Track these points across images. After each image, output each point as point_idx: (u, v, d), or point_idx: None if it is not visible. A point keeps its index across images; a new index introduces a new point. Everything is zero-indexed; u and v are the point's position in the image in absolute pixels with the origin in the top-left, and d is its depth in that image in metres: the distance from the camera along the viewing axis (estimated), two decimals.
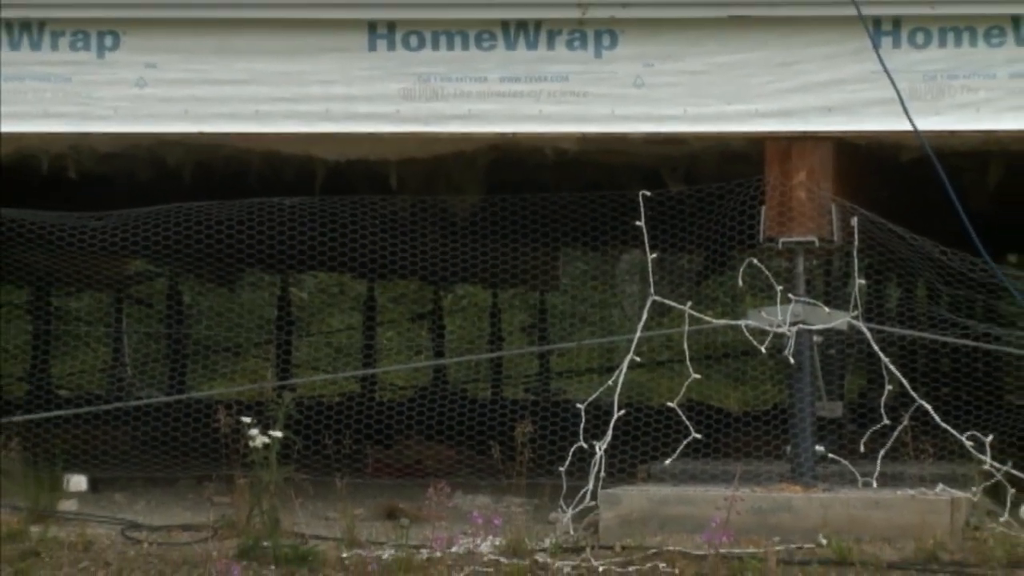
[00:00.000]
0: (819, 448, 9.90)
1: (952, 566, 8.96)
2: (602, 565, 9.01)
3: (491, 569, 8.77)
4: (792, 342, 9.91)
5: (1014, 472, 9.62)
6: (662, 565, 8.97)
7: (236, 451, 9.20)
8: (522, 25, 10.05)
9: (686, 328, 10.03)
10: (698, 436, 9.89)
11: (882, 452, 9.75)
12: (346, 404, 14.09)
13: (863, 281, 10.06)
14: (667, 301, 10.09)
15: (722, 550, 8.77)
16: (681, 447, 9.88)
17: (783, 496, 9.62)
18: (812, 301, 9.95)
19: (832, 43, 9.92)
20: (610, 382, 10.00)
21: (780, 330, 9.93)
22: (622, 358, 10.08)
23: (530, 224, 11.10)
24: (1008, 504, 9.62)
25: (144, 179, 11.25)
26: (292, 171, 10.80)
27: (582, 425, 9.85)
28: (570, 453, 9.81)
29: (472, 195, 11.28)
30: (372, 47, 10.10)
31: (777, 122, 9.96)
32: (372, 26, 10.07)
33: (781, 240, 9.95)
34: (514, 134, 10.17)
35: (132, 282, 16.46)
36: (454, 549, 9.00)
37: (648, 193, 10.04)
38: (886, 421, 9.81)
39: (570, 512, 9.70)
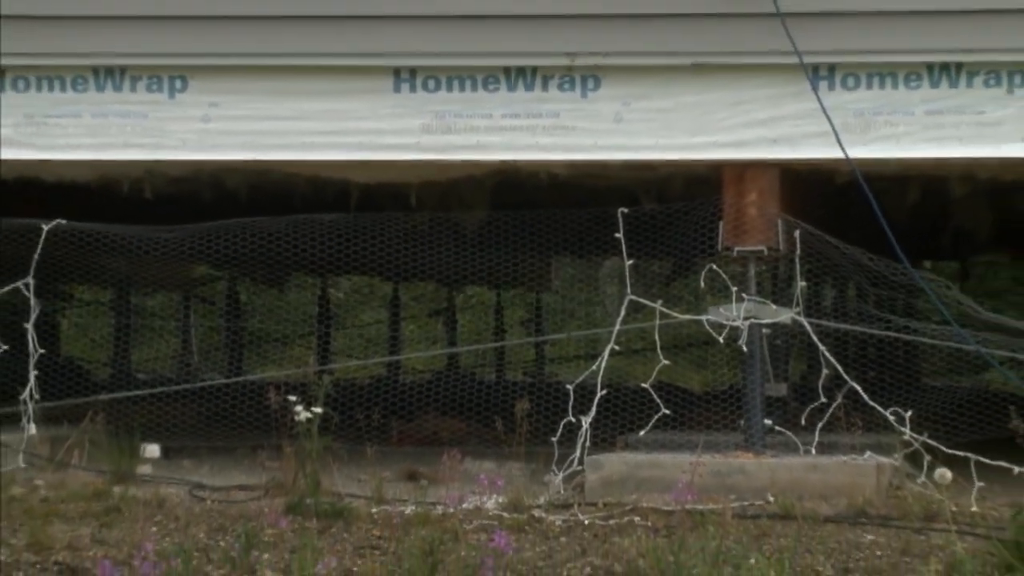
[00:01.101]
0: (767, 422, 9.90)
1: (877, 519, 8.96)
2: (587, 519, 9.00)
3: (495, 522, 8.76)
4: (745, 334, 9.91)
5: (929, 441, 9.62)
6: (637, 519, 8.96)
7: (284, 424, 9.19)
8: (521, 71, 10.05)
9: (657, 322, 10.03)
10: (667, 412, 9.88)
11: (819, 425, 9.76)
12: (375, 385, 14.08)
13: (803, 283, 10.09)
14: (641, 300, 10.09)
15: (687, 506, 8.74)
16: (653, 421, 9.88)
17: (738, 462, 9.62)
18: (761, 300, 9.95)
19: (778, 86, 9.91)
20: (594, 367, 10.01)
21: (735, 324, 9.94)
22: (604, 347, 10.08)
23: (528, 236, 11.09)
24: (924, 468, 9.61)
25: (207, 199, 11.24)
26: (331, 192, 10.80)
27: (571, 402, 9.85)
28: (561, 426, 9.81)
29: (479, 212, 11.28)
30: (397, 89, 10.10)
31: (732, 151, 9.96)
32: (397, 72, 10.08)
33: (736, 249, 9.94)
34: (514, 161, 10.18)
35: (197, 284, 16.44)
36: (464, 505, 8.99)
37: (626, 210, 10.07)
38: (823, 399, 9.82)
39: (561, 475, 9.70)
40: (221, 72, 10.17)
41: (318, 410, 9.11)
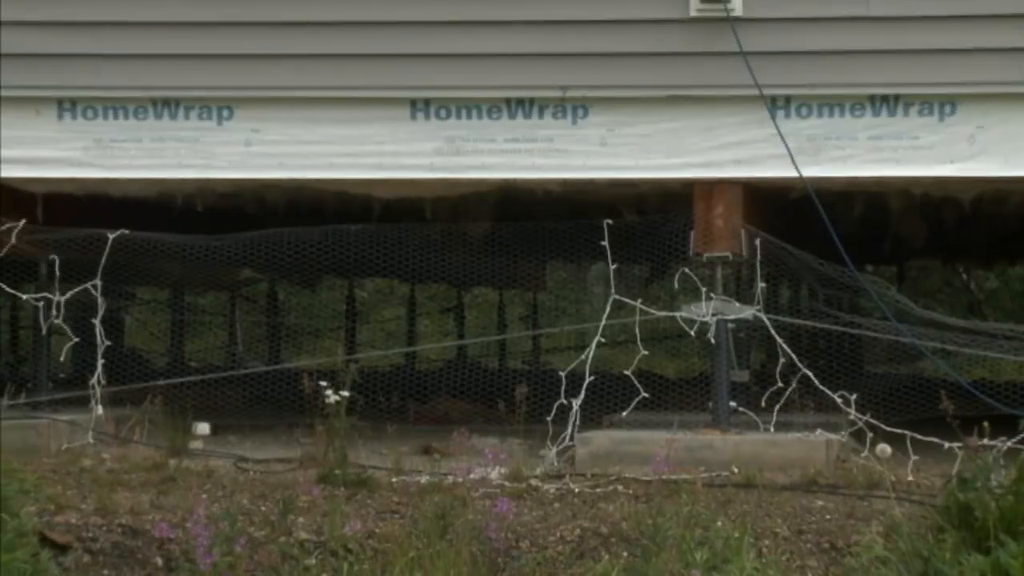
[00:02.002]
0: (732, 404, 9.89)
1: (827, 488, 8.96)
2: (577, 487, 9.01)
3: (498, 490, 8.77)
4: (713, 328, 9.90)
5: (871, 421, 9.62)
6: (620, 487, 8.97)
7: (316, 406, 9.19)
8: (520, 102, 10.05)
9: (637, 318, 10.02)
10: (646, 395, 9.88)
11: (777, 406, 9.75)
12: (394, 372, 14.09)
13: (763, 284, 10.07)
14: (624, 299, 10.08)
15: (663, 477, 8.75)
16: (634, 403, 9.87)
17: (707, 438, 9.62)
18: (727, 299, 9.93)
19: (741, 114, 9.90)
20: (583, 356, 9.98)
21: (704, 319, 9.92)
22: (591, 339, 10.06)
23: (526, 244, 11.08)
24: (867, 444, 9.62)
25: (250, 211, 11.28)
26: (356, 206, 10.78)
27: (563, 387, 9.83)
28: (554, 407, 9.80)
29: (484, 223, 11.26)
30: (413, 117, 10.09)
31: (702, 171, 9.94)
32: (413, 103, 10.07)
33: (705, 255, 9.93)
34: (515, 179, 10.16)
35: (242, 285, 16.42)
36: (472, 476, 8.98)
37: (610, 221, 10.05)
38: (780, 384, 9.79)
39: (554, 449, 9.69)
40: (262, 103, 10.17)
41: (345, 394, 9.11)
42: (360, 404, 9.62)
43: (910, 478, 9.12)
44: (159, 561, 7.82)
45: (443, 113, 10.10)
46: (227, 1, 10.18)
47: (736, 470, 9.24)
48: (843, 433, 9.71)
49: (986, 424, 8.96)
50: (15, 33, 10.23)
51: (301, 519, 8.15)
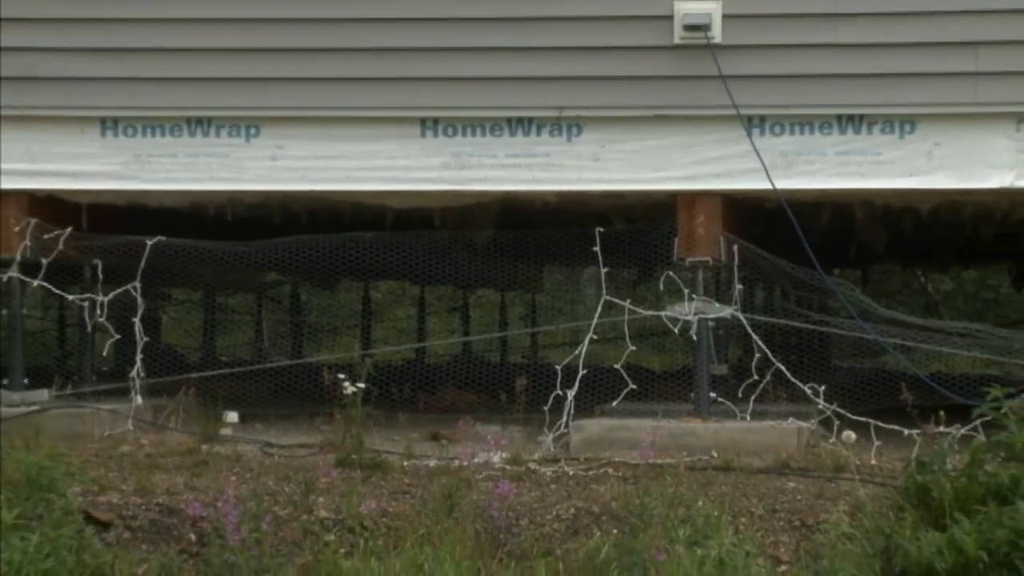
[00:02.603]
0: (712, 394, 9.89)
1: (798, 471, 8.96)
2: (572, 470, 9.00)
3: (500, 473, 8.77)
4: (694, 326, 9.89)
5: (838, 410, 9.62)
6: (610, 470, 8.96)
7: (335, 396, 9.19)
8: (520, 121, 10.04)
9: (626, 317, 10.02)
10: (634, 387, 9.87)
11: (752, 397, 9.75)
12: (406, 366, 14.05)
13: (740, 286, 10.06)
14: (614, 299, 10.07)
15: (649, 461, 8.76)
16: (623, 394, 9.85)
17: (689, 426, 9.61)
18: (707, 299, 9.93)
19: (720, 132, 9.90)
20: (577, 352, 9.99)
21: (687, 318, 9.92)
22: (584, 336, 10.07)
23: (525, 249, 11.07)
24: (834, 431, 9.62)
25: (275, 220, 11.25)
26: (371, 215, 10.77)
27: (559, 379, 9.83)
28: (551, 398, 9.79)
29: (487, 231, 11.26)
30: (423, 135, 10.09)
31: (685, 183, 9.94)
32: (423, 121, 10.08)
33: (687, 260, 9.92)
34: (515, 191, 10.16)
35: (268, 287, 16.42)
36: (476, 460, 8.99)
37: (601, 229, 10.06)
38: (755, 377, 9.80)
39: (551, 436, 9.69)
40: (286, 121, 10.16)
41: (361, 385, 9.10)
42: (375, 395, 9.62)
43: (873, 462, 9.12)
44: (193, 537, 7.82)
45: (450, 131, 10.09)
46: (254, 29, 10.16)
47: (715, 455, 9.23)
48: (812, 421, 9.70)
49: (942, 413, 8.99)
50: (62, 59, 10.24)
51: (321, 499, 8.15)
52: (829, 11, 9.87)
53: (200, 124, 10.23)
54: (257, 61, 10.15)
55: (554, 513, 8.05)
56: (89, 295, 10.44)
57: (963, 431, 8.80)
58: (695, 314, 9.89)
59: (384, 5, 10.09)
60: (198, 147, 10.22)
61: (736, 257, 9.96)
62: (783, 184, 9.80)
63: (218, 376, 11.31)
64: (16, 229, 10.27)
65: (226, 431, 10.21)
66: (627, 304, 10.01)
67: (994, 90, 9.79)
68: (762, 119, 9.88)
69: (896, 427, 9.35)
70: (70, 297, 10.66)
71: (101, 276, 10.45)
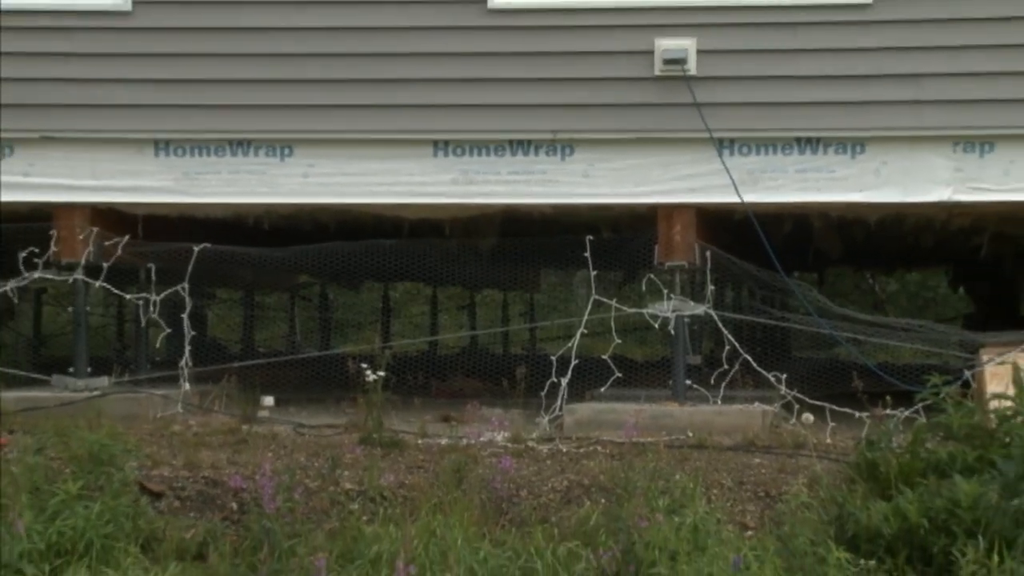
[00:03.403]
0: (688, 382, 9.88)
1: (762, 448, 8.95)
2: (565, 448, 9.00)
3: (502, 450, 8.77)
4: (672, 322, 9.89)
5: (797, 395, 9.61)
6: (599, 448, 8.96)
7: (358, 383, 9.19)
8: (520, 142, 10.05)
9: (612, 314, 10.01)
10: (619, 375, 9.87)
11: (723, 384, 9.74)
12: (420, 357, 14.08)
13: (712, 287, 10.05)
14: (602, 299, 10.06)
15: (633, 439, 8.75)
16: (610, 381, 9.85)
17: (667, 409, 9.61)
18: (683, 299, 9.92)
19: (695, 152, 9.90)
20: (570, 344, 9.97)
21: (666, 315, 9.92)
22: (576, 331, 10.07)
23: (524, 255, 11.07)
24: (794, 413, 9.62)
25: (307, 229, 11.23)
26: (389, 225, 10.78)
27: (554, 368, 9.82)
28: (547, 384, 9.79)
29: (491, 239, 11.26)
30: (435, 155, 10.10)
31: (664, 197, 9.94)
32: (435, 143, 10.08)
33: (666, 264, 9.92)
34: (515, 204, 10.16)
35: (299, 287, 16.42)
36: (481, 439, 8.99)
37: (591, 237, 10.04)
38: (725, 366, 9.78)
39: (547, 418, 9.67)
40: (316, 143, 10.16)
41: (381, 373, 9.10)
42: (393, 382, 9.61)
43: (828, 441, 9.10)
44: (234, 506, 7.82)
45: (459, 151, 10.08)
46: (288, 63, 10.15)
47: (690, 434, 9.23)
48: (775, 405, 9.70)
49: (888, 398, 8.98)
50: (122, 88, 10.24)
51: (346, 473, 8.14)
52: (790, 47, 9.86)
53: (241, 145, 10.22)
54: (291, 90, 10.14)
55: (550, 485, 8.04)
56: (144, 295, 10.44)
57: (907, 414, 8.80)
58: (673, 311, 9.88)
59: (402, 41, 10.08)
60: (239, 165, 10.22)
61: (709, 261, 9.95)
62: (750, 198, 9.79)
63: (256, 365, 11.31)
64: (81, 237, 10.27)
65: (263, 413, 10.21)
66: (614, 303, 10.00)
67: (934, 116, 9.79)
68: (731, 141, 9.87)
69: (848, 410, 9.33)
70: (127, 296, 10.67)
71: (154, 278, 10.45)
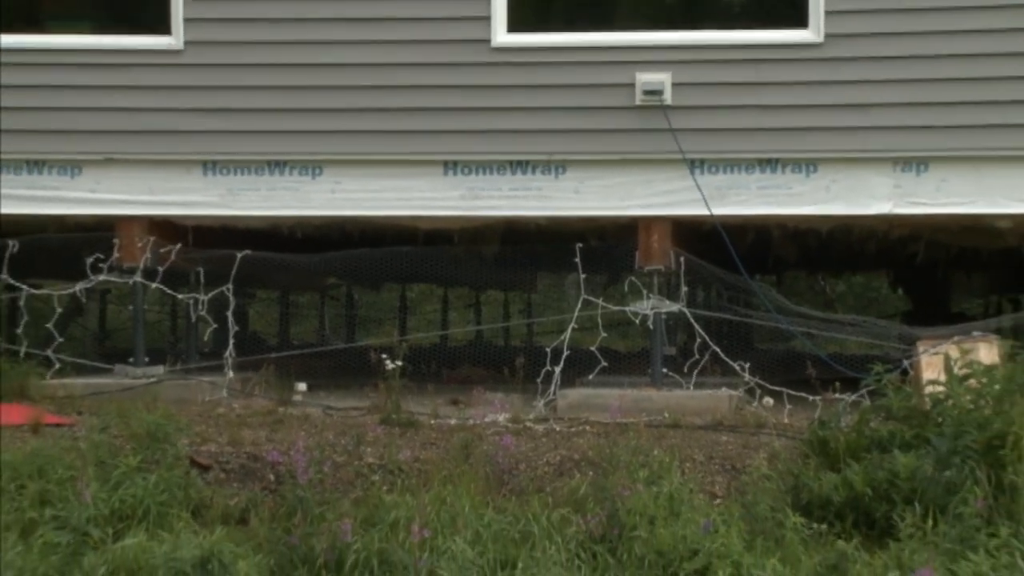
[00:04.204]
0: (664, 370, 9.89)
1: (729, 427, 8.96)
2: (558, 427, 8.99)
3: (504, 429, 8.77)
4: (651, 318, 9.89)
5: (759, 382, 9.62)
6: (587, 427, 8.96)
7: (379, 371, 9.19)
8: (519, 163, 10.05)
9: (599, 311, 10.00)
10: (605, 364, 9.87)
11: (695, 372, 9.73)
12: (433, 349, 14.08)
13: (685, 288, 10.05)
14: (590, 298, 10.06)
15: (617, 420, 8.76)
16: (596, 369, 9.85)
17: (646, 393, 9.61)
18: (660, 298, 9.92)
19: (670, 171, 9.91)
20: (562, 337, 9.98)
21: (645, 312, 9.92)
22: (568, 326, 10.06)
23: (523, 260, 11.07)
24: (756, 397, 9.62)
25: (335, 238, 11.21)
26: (406, 234, 10.75)
27: (548, 358, 9.82)
28: (542, 372, 9.79)
29: (494, 246, 11.26)
30: (446, 174, 10.10)
31: (644, 210, 9.95)
32: (446, 164, 10.09)
33: (646, 268, 9.93)
34: (515, 216, 10.16)
35: (328, 288, 16.41)
36: (486, 419, 8.99)
37: (580, 245, 10.04)
38: (696, 356, 9.79)
39: (542, 401, 9.67)
40: (342, 164, 10.17)
41: (399, 363, 9.09)
42: (409, 370, 9.61)
43: (786, 421, 9.11)
44: (272, 477, 7.81)
45: (466, 171, 10.08)
46: (319, 94, 10.15)
47: (667, 415, 9.22)
48: (740, 390, 9.70)
49: (837, 384, 8.98)
50: (175, 116, 10.24)
51: (369, 449, 8.14)
52: (752, 80, 9.86)
53: (277, 166, 10.22)
54: (320, 119, 10.14)
55: (545, 460, 8.03)
56: (194, 295, 10.43)
57: (853, 398, 8.79)
58: (651, 309, 9.88)
59: (417, 75, 10.07)
60: (276, 183, 10.21)
61: (682, 266, 9.94)
62: (718, 211, 9.79)
63: (291, 356, 11.30)
64: (139, 245, 10.27)
65: (297, 397, 10.21)
66: (600, 302, 9.99)
67: (877, 141, 9.79)
68: (702, 162, 9.87)
69: (803, 394, 9.34)
70: (179, 296, 10.65)
71: (202, 280, 10.44)
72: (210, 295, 10.39)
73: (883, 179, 9.81)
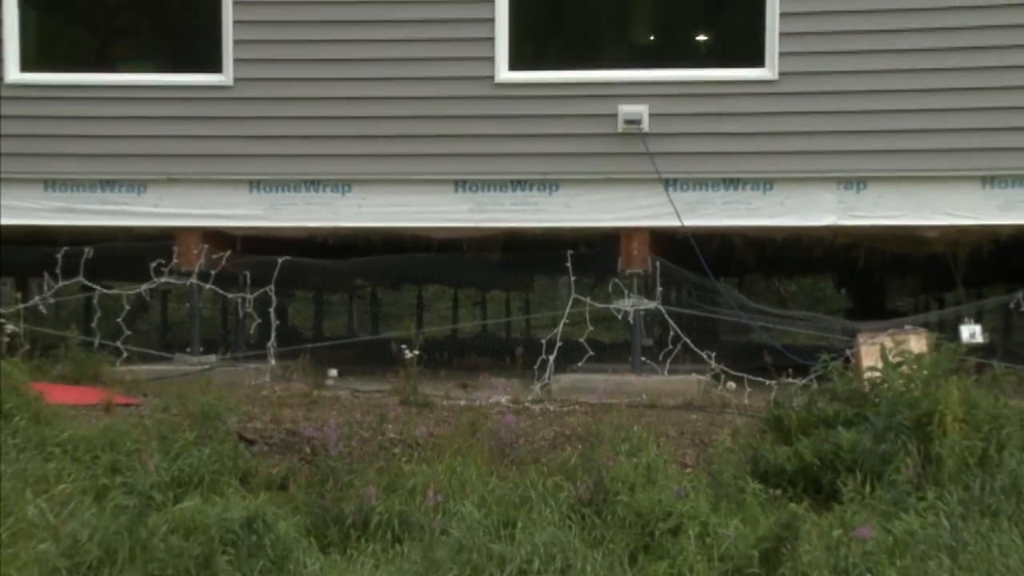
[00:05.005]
0: (643, 358, 9.87)
1: (698, 407, 8.96)
2: (552, 407, 8.99)
3: (506, 409, 8.77)
4: (631, 314, 9.89)
5: (724, 368, 9.61)
6: (577, 408, 8.96)
7: (399, 359, 9.19)
8: (519, 182, 10.05)
9: (587, 308, 10.00)
10: (592, 353, 9.87)
11: (668, 360, 9.73)
12: (445, 340, 14.05)
13: (660, 288, 10.04)
14: (580, 297, 10.06)
15: (602, 401, 8.75)
16: (585, 358, 9.85)
17: (627, 378, 9.61)
18: (639, 297, 9.92)
19: (648, 189, 9.90)
20: (555, 331, 9.97)
21: (627, 308, 9.91)
22: (560, 321, 10.05)
23: (522, 264, 11.07)
24: (721, 382, 9.62)
25: (361, 246, 11.04)
26: (422, 242, 10.75)
27: (543, 348, 9.83)
28: (539, 360, 9.78)
29: (497, 252, 11.26)
30: (456, 191, 10.10)
31: (625, 222, 9.95)
32: (456, 182, 10.09)
33: (627, 271, 9.93)
34: (515, 227, 10.16)
35: (356, 288, 16.42)
36: (490, 400, 9.00)
37: (571, 251, 10.03)
38: (670, 347, 9.79)
39: (539, 385, 9.67)
40: (367, 182, 10.17)
41: (416, 352, 9.10)
42: (424, 359, 9.61)
43: (746, 402, 9.11)
44: (308, 450, 7.81)
45: (473, 188, 10.08)
46: (346, 124, 10.15)
47: (645, 397, 9.22)
48: (707, 376, 9.69)
49: (790, 370, 8.99)
50: (221, 143, 10.25)
51: (390, 426, 8.14)
52: (717, 111, 9.86)
53: (313, 184, 10.22)
54: (349, 144, 10.14)
55: (540, 435, 8.03)
56: (241, 294, 10.44)
57: (803, 382, 8.79)
58: (632, 306, 9.88)
59: (431, 107, 10.06)
60: (311, 199, 10.21)
61: (658, 269, 9.94)
62: (688, 222, 9.78)
63: (324, 346, 11.31)
64: (195, 252, 10.28)
65: (329, 382, 10.20)
66: (588, 300, 10.00)
67: (824, 163, 9.80)
68: (675, 181, 9.87)
69: (761, 379, 9.34)
70: (229, 295, 10.66)
71: (249, 282, 10.45)
72: (255, 294, 10.40)
73: (829, 195, 9.81)
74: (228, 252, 10.40)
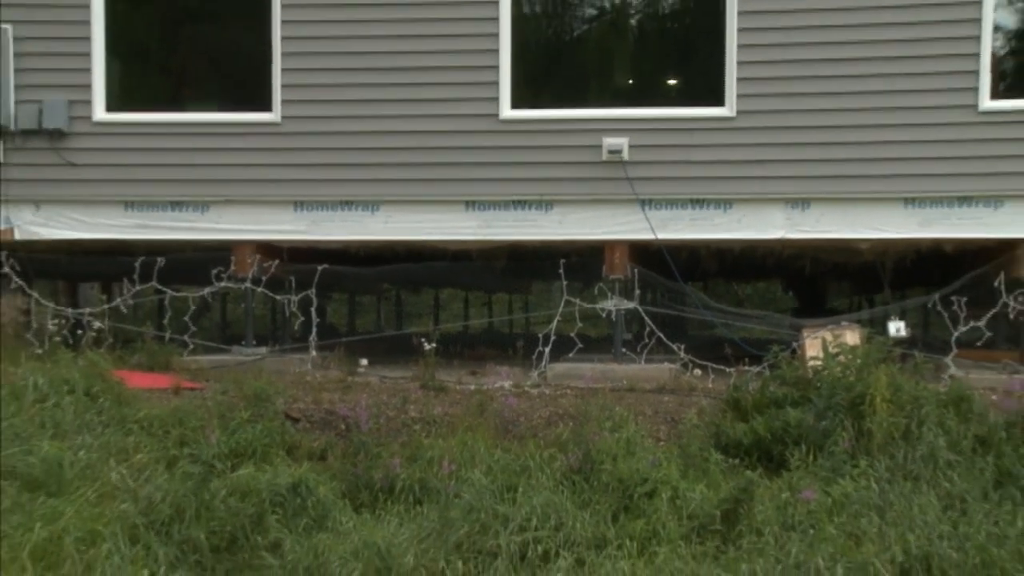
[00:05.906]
0: (624, 350, 9.86)
1: (669, 391, 8.96)
2: (548, 391, 8.99)
3: (508, 392, 8.78)
4: (614, 313, 9.88)
5: (692, 358, 9.61)
6: (568, 392, 8.96)
7: (419, 351, 9.19)
8: (520, 201, 10.04)
9: (577, 308, 9.99)
10: (581, 346, 9.88)
11: (645, 351, 9.73)
12: (458, 334, 14.05)
13: (638, 291, 10.04)
14: (571, 299, 10.06)
15: (590, 386, 8.75)
16: (575, 350, 9.85)
17: (610, 367, 9.60)
18: (620, 298, 9.92)
19: (628, 208, 9.89)
20: (551, 327, 9.96)
21: (610, 308, 9.90)
22: (555, 319, 10.03)
23: (522, 271, 11.07)
24: (690, 369, 9.61)
25: (387, 256, 11.08)
26: (439, 252, 10.76)
27: (540, 341, 9.82)
28: (536, 352, 9.77)
29: (502, 261, 11.26)
30: (467, 209, 10.09)
31: (609, 236, 9.93)
32: (467, 203, 10.09)
33: (610, 277, 9.92)
34: (517, 240, 10.13)
35: (383, 291, 16.40)
36: (495, 385, 9.00)
37: (564, 260, 10.02)
38: (646, 340, 9.78)
39: (536, 372, 9.67)
40: (392, 203, 10.16)
41: (433, 345, 9.11)
42: (440, 350, 9.62)
43: (710, 386, 9.11)
44: (343, 427, 7.83)
45: (481, 207, 10.08)
46: (375, 154, 10.15)
47: (625, 383, 9.23)
48: (677, 364, 9.69)
49: (747, 360, 8.99)
50: (272, 170, 10.25)
51: (411, 406, 8.15)
52: (686, 143, 9.87)
53: (347, 204, 10.23)
54: (377, 171, 10.14)
55: (538, 414, 8.04)
56: (287, 296, 10.44)
57: (758, 369, 8.81)
58: (614, 307, 9.88)
59: (445, 139, 10.07)
60: (346, 216, 10.21)
61: (636, 275, 9.94)
62: (662, 236, 9.78)
63: (356, 340, 11.31)
64: (249, 261, 10.28)
65: (360, 369, 10.20)
66: (577, 301, 10.00)
67: (775, 186, 9.80)
68: (650, 201, 9.87)
69: (722, 367, 9.35)
70: (278, 297, 10.66)
71: (294, 286, 10.44)
72: (299, 296, 10.40)
73: (778, 213, 9.82)
74: (276, 261, 10.41)
